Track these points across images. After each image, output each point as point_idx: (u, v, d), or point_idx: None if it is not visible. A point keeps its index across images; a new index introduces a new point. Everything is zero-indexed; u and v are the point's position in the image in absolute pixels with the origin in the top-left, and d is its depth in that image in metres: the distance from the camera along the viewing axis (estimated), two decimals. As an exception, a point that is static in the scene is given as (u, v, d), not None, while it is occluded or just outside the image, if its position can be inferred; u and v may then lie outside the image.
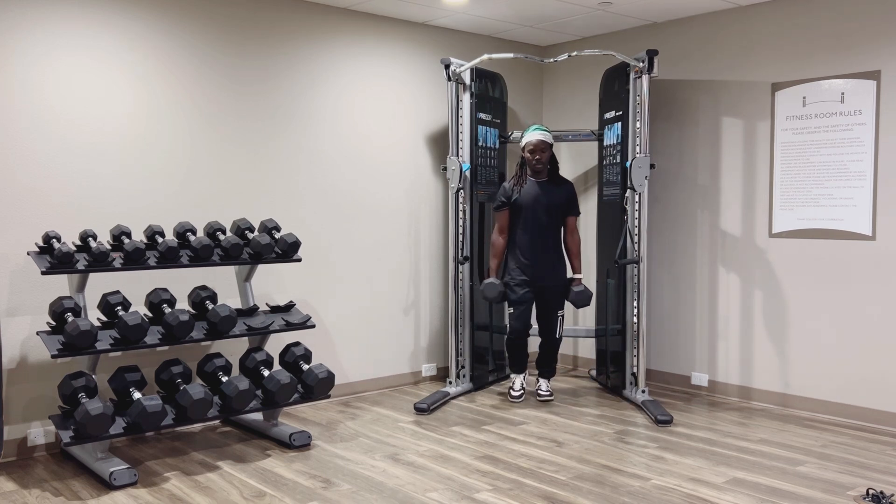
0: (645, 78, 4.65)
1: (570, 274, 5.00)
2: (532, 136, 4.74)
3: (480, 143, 5.19)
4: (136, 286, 4.18)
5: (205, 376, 3.91)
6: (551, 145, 4.77)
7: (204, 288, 4.03)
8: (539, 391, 4.96)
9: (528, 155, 4.75)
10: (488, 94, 5.30)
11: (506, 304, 4.91)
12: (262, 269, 4.66)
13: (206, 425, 4.41)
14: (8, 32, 3.74)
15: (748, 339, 4.92)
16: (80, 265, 3.57)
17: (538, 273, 4.78)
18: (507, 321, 5.09)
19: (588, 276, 5.86)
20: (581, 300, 4.78)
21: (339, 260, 5.01)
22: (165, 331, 3.65)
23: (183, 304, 4.33)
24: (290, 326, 4.09)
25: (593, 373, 5.59)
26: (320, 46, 4.87)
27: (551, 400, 4.93)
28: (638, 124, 4.73)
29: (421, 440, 4.09)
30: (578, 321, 5.99)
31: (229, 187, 4.52)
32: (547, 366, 5.02)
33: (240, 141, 4.55)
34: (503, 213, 4.82)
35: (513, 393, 4.94)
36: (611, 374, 5.20)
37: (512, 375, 5.02)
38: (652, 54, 4.60)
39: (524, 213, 4.77)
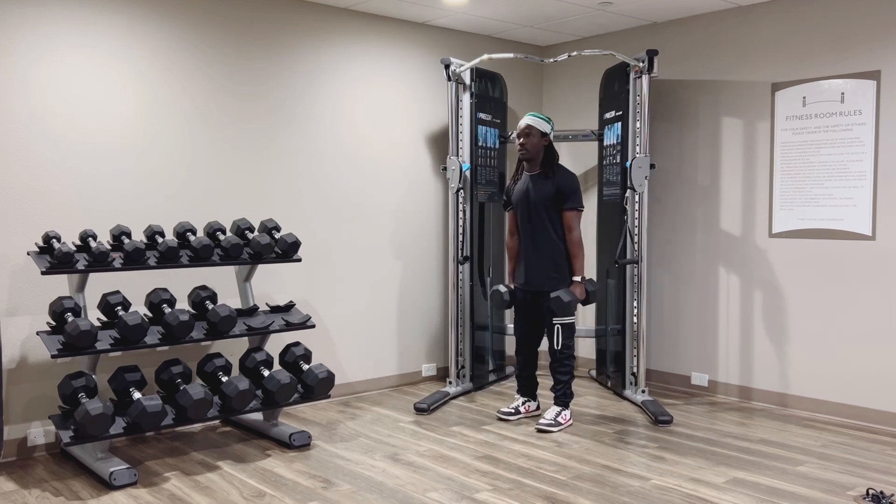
0: (645, 78, 4.65)
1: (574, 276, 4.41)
2: (522, 120, 4.32)
3: (480, 143, 5.19)
4: (136, 286, 4.18)
5: (205, 376, 3.91)
6: (543, 132, 4.27)
7: (204, 288, 4.03)
8: (539, 420, 4.30)
9: (516, 140, 4.35)
10: (488, 94, 5.30)
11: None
12: (262, 269, 4.66)
13: (206, 425, 4.41)
14: (8, 33, 3.74)
15: (748, 339, 4.92)
16: (80, 265, 3.57)
17: (528, 278, 4.36)
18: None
19: (589, 276, 5.86)
20: (555, 306, 4.19)
21: (339, 260, 5.01)
22: (165, 331, 3.65)
23: (183, 304, 4.33)
24: (290, 326, 4.09)
25: (593, 373, 5.59)
26: (320, 46, 4.87)
27: (549, 431, 4.21)
28: (638, 124, 4.73)
29: (421, 440, 4.09)
30: (578, 321, 5.98)
31: (229, 187, 4.52)
32: (554, 385, 4.35)
33: (240, 141, 4.55)
34: (510, 213, 4.50)
35: (501, 409, 4.49)
36: (611, 373, 5.20)
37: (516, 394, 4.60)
38: (652, 54, 4.60)
39: (516, 211, 4.43)
